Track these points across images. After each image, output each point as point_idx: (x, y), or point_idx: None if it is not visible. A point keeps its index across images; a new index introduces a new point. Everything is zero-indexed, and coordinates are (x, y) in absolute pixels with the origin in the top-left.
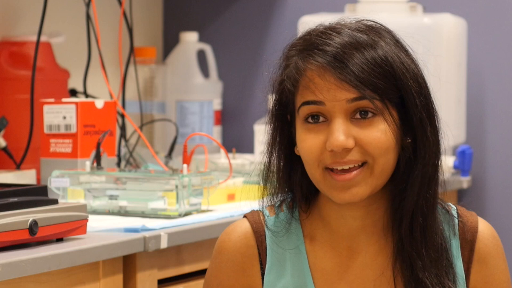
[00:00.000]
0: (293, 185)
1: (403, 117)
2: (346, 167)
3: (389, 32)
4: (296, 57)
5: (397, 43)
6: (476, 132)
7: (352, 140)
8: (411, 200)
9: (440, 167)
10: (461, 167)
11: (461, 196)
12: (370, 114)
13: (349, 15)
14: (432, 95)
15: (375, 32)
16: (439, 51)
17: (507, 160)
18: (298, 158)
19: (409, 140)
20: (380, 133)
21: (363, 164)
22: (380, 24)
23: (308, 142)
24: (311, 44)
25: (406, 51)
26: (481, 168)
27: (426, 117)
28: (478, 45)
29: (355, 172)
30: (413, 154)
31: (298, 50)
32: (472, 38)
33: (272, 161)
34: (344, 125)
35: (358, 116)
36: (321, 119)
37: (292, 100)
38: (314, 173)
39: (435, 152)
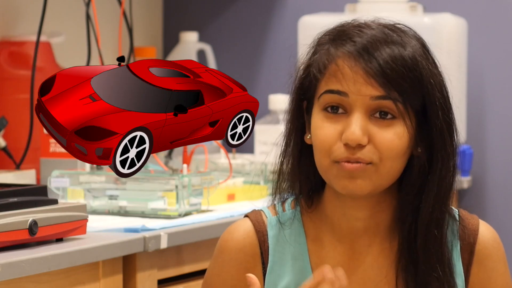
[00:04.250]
0: (301, 174)
1: (420, 125)
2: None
3: (420, 41)
4: (328, 45)
5: (428, 53)
6: (476, 132)
7: (367, 137)
8: (426, 212)
9: (455, 181)
10: (461, 167)
11: (461, 196)
12: (389, 116)
13: (349, 15)
14: (454, 110)
15: (408, 37)
16: (439, 51)
17: (507, 160)
18: (308, 148)
19: (420, 150)
20: (395, 136)
21: (369, 163)
22: (414, 32)
23: (324, 130)
24: (345, 34)
25: (434, 62)
26: (481, 168)
27: (446, 129)
28: (478, 45)
29: (362, 164)
30: (428, 165)
31: (330, 38)
32: (472, 38)
33: (287, 148)
34: (363, 120)
35: (377, 115)
36: (340, 110)
37: (314, 85)
38: (323, 162)
39: (452, 165)
